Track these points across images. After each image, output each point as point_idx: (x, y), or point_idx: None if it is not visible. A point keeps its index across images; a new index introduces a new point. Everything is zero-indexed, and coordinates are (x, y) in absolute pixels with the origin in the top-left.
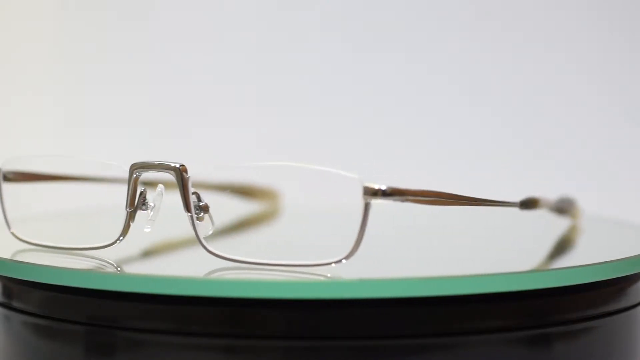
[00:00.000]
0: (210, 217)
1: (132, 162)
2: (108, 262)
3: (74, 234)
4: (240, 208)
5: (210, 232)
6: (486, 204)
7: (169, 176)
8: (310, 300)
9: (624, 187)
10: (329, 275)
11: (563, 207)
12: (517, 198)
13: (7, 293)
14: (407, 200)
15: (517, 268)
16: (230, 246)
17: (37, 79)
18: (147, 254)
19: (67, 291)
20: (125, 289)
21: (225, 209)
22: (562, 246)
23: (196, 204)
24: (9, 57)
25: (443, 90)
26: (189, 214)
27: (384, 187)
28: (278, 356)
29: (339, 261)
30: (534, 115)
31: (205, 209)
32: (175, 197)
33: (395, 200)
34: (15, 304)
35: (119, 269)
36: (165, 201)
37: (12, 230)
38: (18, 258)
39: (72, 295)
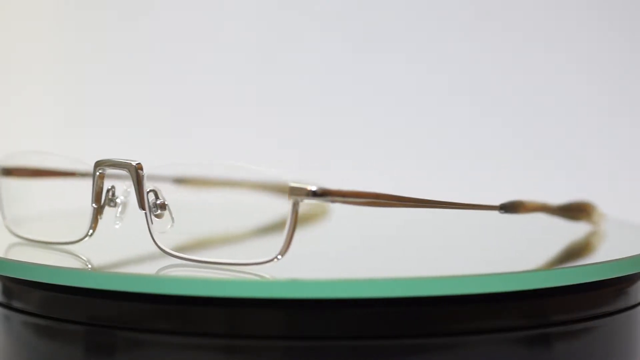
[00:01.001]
0: (170, 215)
1: (97, 160)
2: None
3: (55, 230)
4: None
5: (168, 228)
6: (436, 206)
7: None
8: (311, 300)
9: (624, 187)
10: (262, 274)
11: (569, 210)
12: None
13: (7, 293)
14: (336, 200)
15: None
16: (184, 244)
17: (37, 79)
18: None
19: (67, 291)
20: (125, 288)
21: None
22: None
23: (154, 201)
24: (9, 57)
25: (443, 90)
26: (144, 211)
27: (313, 188)
28: (278, 356)
29: (270, 260)
30: (533, 115)
31: (162, 206)
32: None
33: (324, 200)
34: (15, 303)
35: (119, 269)
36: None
37: (7, 223)
38: (17, 257)
39: (72, 295)
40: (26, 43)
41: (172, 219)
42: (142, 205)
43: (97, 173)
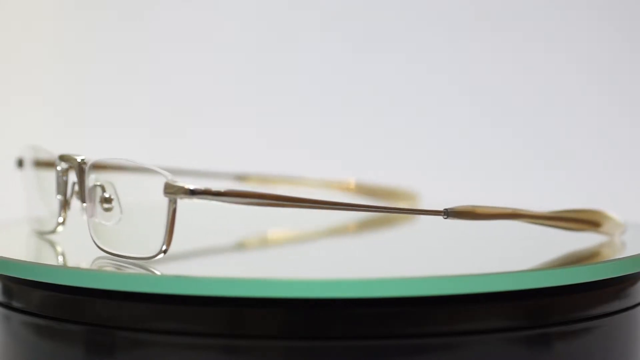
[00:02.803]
0: (120, 208)
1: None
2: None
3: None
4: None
5: (110, 223)
6: (320, 207)
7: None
8: (311, 300)
9: (624, 187)
10: (154, 270)
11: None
12: (514, 198)
13: (8, 293)
14: (214, 199)
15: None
16: (114, 237)
17: (37, 79)
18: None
19: (68, 291)
20: (125, 288)
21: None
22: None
23: (101, 196)
24: (9, 57)
25: (442, 90)
26: (84, 204)
27: (190, 187)
28: (278, 356)
29: (154, 256)
30: (533, 115)
31: (108, 200)
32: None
33: (202, 199)
34: (16, 303)
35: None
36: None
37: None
38: (18, 257)
39: (72, 295)
40: (26, 43)
41: (122, 211)
42: (82, 199)
43: (58, 167)
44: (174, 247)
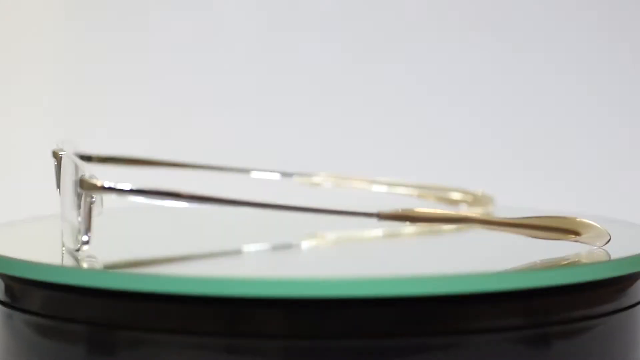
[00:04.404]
0: (101, 204)
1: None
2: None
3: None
4: None
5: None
6: (238, 205)
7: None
8: (311, 299)
9: (624, 187)
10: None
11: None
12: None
13: (10, 292)
14: (128, 195)
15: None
16: (70, 232)
17: (37, 79)
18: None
19: (69, 290)
20: (126, 288)
21: None
22: None
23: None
24: (9, 57)
25: (442, 90)
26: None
27: (105, 184)
28: (278, 356)
29: (77, 250)
30: (533, 115)
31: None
32: None
33: (118, 195)
34: (17, 302)
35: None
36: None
37: None
38: (20, 256)
39: (74, 295)
40: (26, 43)
41: (102, 207)
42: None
43: (55, 163)
44: (175, 248)
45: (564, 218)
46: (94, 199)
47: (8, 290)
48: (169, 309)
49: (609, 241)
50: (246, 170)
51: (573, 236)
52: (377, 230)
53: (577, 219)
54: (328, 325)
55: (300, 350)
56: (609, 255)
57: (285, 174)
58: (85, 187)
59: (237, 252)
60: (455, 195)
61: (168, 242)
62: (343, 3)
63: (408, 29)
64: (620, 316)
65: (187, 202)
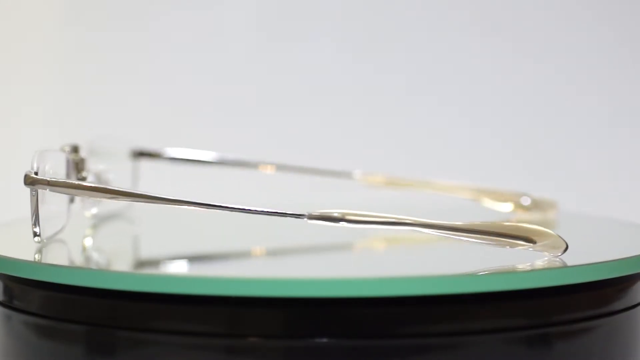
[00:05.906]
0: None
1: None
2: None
3: None
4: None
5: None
6: (158, 202)
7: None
8: (311, 299)
9: (624, 187)
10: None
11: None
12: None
13: (8, 292)
14: (45, 187)
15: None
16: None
17: (37, 79)
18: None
19: (68, 290)
20: (126, 288)
21: None
22: None
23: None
24: (9, 57)
25: (441, 90)
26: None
27: (47, 179)
28: (278, 356)
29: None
30: (532, 115)
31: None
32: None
33: (51, 190)
34: (16, 303)
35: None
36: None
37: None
38: (19, 256)
39: (72, 295)
40: (26, 43)
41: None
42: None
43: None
44: (176, 249)
45: (517, 225)
46: (34, 193)
47: (7, 290)
48: (169, 309)
49: (566, 250)
50: (321, 171)
51: (526, 244)
52: (376, 232)
53: (533, 227)
54: (328, 325)
55: (300, 350)
56: (564, 263)
57: (343, 174)
58: (26, 181)
59: (238, 253)
60: (514, 199)
61: (168, 243)
62: (343, 3)
63: (424, 29)
64: (620, 317)
65: (112, 198)
